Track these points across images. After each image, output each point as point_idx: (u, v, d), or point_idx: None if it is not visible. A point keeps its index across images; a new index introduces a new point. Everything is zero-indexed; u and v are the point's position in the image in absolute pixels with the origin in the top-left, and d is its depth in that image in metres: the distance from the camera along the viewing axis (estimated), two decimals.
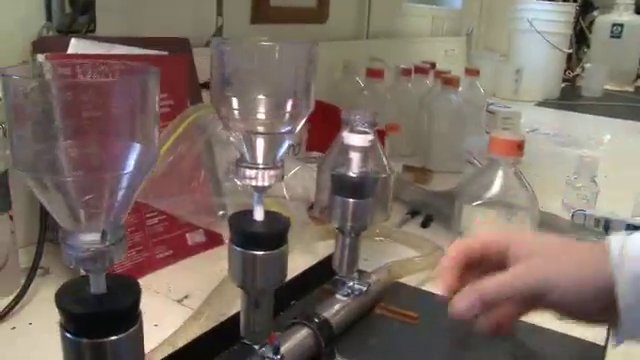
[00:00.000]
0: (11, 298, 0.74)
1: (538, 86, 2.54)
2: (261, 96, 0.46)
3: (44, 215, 0.82)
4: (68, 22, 0.91)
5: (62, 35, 0.90)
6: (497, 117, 1.84)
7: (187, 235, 0.91)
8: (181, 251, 0.90)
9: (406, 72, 1.54)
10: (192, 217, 0.89)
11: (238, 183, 0.97)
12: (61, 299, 0.37)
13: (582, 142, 1.84)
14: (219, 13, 1.24)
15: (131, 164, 0.35)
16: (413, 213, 1.14)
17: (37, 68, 0.37)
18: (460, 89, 1.45)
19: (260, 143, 0.48)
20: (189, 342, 0.61)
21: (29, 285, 0.76)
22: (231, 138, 0.48)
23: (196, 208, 0.89)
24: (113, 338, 0.38)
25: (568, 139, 1.88)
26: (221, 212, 0.91)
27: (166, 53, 0.93)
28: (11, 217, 0.77)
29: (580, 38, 3.11)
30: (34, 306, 0.76)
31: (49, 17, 0.91)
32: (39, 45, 0.83)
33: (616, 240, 0.51)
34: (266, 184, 0.49)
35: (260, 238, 0.50)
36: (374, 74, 1.48)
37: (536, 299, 0.52)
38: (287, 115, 0.47)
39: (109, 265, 0.37)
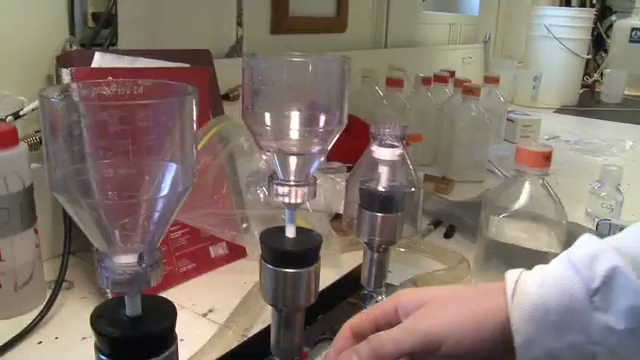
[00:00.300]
0: (37, 312, 0.74)
1: (556, 92, 2.52)
2: (293, 112, 0.46)
3: (68, 229, 0.82)
4: (91, 36, 0.92)
5: (85, 49, 0.90)
6: (517, 125, 1.83)
7: (210, 248, 0.91)
8: (204, 264, 0.89)
9: (426, 81, 1.53)
10: (216, 230, 0.88)
11: (260, 195, 0.98)
12: (96, 321, 0.37)
13: (603, 149, 1.82)
14: (239, 24, 1.24)
15: (167, 186, 0.34)
16: (436, 223, 1.13)
17: (70, 88, 0.37)
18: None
19: (292, 160, 0.47)
20: (219, 357, 0.61)
21: (54, 299, 0.76)
22: (264, 156, 0.47)
23: (219, 221, 0.88)
24: None
25: (589, 146, 1.86)
26: (244, 225, 0.91)
27: (188, 65, 0.93)
28: (36, 231, 0.77)
29: (598, 43, 3.09)
30: (59, 320, 0.75)
31: (72, 31, 0.91)
32: (63, 59, 0.83)
33: (511, 275, 0.49)
34: (299, 201, 0.48)
35: (292, 256, 0.49)
36: (394, 83, 1.48)
37: (433, 352, 0.47)
38: (320, 131, 0.47)
39: (146, 287, 0.36)
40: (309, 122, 0.46)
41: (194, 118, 0.34)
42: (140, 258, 0.36)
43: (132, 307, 0.37)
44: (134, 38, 0.99)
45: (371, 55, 1.75)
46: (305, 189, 0.48)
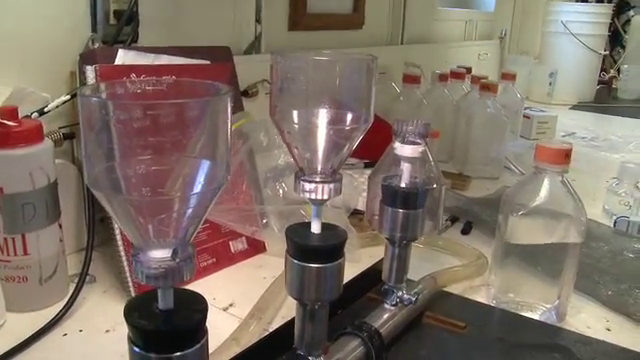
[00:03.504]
0: (60, 305, 0.76)
1: (572, 89, 2.51)
2: (320, 110, 0.46)
3: (92, 224, 0.83)
4: (113, 33, 0.93)
5: (107, 45, 0.91)
6: (533, 121, 1.83)
7: (230, 243, 0.92)
8: (224, 259, 0.90)
9: (442, 77, 1.53)
10: (236, 225, 0.89)
11: (279, 191, 0.98)
12: (129, 314, 0.38)
13: (620, 146, 1.81)
14: (257, 21, 1.25)
15: (201, 183, 0.35)
16: (453, 220, 1.13)
17: (103, 87, 0.38)
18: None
19: (319, 157, 0.48)
20: (242, 351, 0.62)
21: (78, 293, 0.77)
22: (282, 153, 0.48)
23: (240, 216, 0.89)
24: (181, 353, 0.38)
25: (605, 143, 1.85)
26: (264, 220, 0.92)
27: (208, 62, 0.94)
28: (60, 225, 0.78)
29: (615, 39, 3.06)
30: (83, 313, 0.77)
31: (94, 29, 0.92)
32: (87, 56, 0.84)
33: None
34: (325, 197, 0.49)
35: (318, 251, 0.50)
36: (411, 80, 1.48)
37: None
38: (346, 129, 0.47)
39: (179, 282, 0.37)
40: (335, 120, 0.47)
41: (229, 117, 0.35)
42: (174, 253, 0.36)
43: (165, 300, 0.38)
44: (155, 35, 1.00)
45: (388, 51, 1.75)
46: (331, 185, 0.48)
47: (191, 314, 0.39)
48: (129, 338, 0.39)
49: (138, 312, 0.38)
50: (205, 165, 0.35)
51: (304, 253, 0.50)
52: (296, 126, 0.47)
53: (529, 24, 2.79)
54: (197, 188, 0.35)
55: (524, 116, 1.82)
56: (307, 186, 0.48)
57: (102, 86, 0.38)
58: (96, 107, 0.33)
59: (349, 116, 0.47)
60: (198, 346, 0.39)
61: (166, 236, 0.36)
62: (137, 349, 0.38)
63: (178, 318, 0.38)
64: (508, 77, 1.66)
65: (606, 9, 2.54)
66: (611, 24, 2.67)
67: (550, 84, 2.48)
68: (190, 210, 0.35)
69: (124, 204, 0.35)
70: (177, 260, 0.37)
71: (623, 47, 3.10)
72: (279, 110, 0.47)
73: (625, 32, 3.10)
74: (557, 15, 2.49)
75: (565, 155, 0.76)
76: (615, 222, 1.12)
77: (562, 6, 2.54)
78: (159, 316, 0.38)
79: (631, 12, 3.11)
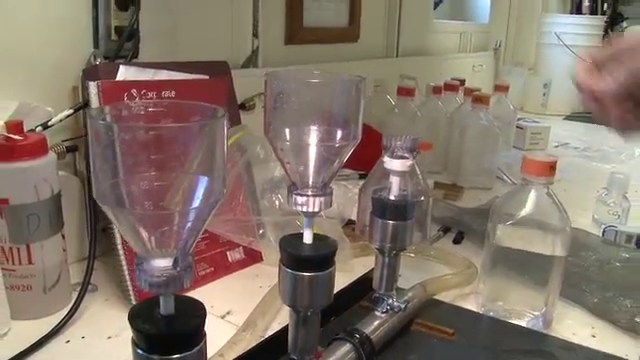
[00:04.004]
0: (63, 313, 0.78)
1: (566, 99, 2.54)
2: (312, 127, 0.49)
3: (94, 234, 0.85)
4: (114, 49, 0.96)
5: (109, 61, 0.94)
6: (526, 132, 1.86)
7: (227, 253, 0.94)
8: (222, 268, 0.93)
9: (436, 90, 1.56)
10: (234, 236, 0.92)
11: (276, 202, 1.01)
12: (134, 319, 0.41)
13: (612, 157, 1.84)
14: (255, 35, 1.28)
15: (199, 198, 0.38)
16: (445, 230, 1.16)
17: (111, 109, 0.41)
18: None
19: (310, 172, 0.51)
20: (238, 356, 0.64)
21: (81, 301, 0.80)
22: (279, 167, 0.51)
23: (237, 227, 0.92)
24: (181, 355, 0.41)
25: (598, 153, 1.88)
26: (261, 231, 0.95)
27: (207, 77, 0.96)
28: (63, 236, 0.81)
29: None
30: (85, 321, 0.79)
31: (96, 45, 0.95)
32: (89, 72, 0.87)
33: None
34: (316, 210, 0.52)
35: (309, 261, 0.53)
36: (405, 92, 1.51)
37: None
38: (336, 145, 0.50)
39: (179, 289, 0.40)
40: (326, 137, 0.50)
41: (225, 137, 0.38)
42: (175, 262, 0.39)
43: (166, 307, 0.41)
44: (154, 50, 1.03)
45: (383, 64, 1.78)
46: (322, 199, 0.51)
47: (191, 319, 0.42)
48: (133, 341, 0.42)
49: (142, 317, 0.41)
50: (203, 181, 0.38)
51: (297, 262, 0.53)
52: (288, 143, 0.50)
53: (523, 36, 2.83)
54: (196, 203, 0.38)
55: (517, 127, 1.85)
56: (299, 199, 0.51)
57: (107, 108, 0.41)
58: (102, 129, 0.36)
59: (339, 133, 0.50)
60: (197, 349, 0.42)
61: (167, 247, 0.39)
62: (140, 352, 0.41)
63: (178, 323, 0.41)
64: (501, 89, 1.69)
65: (599, 21, 2.58)
66: (604, 36, 2.71)
67: (544, 95, 2.52)
68: (189, 223, 0.38)
69: (129, 217, 0.38)
70: (178, 269, 0.39)
71: None
72: (272, 128, 0.50)
73: None
74: (551, 27, 2.53)
75: (550, 167, 0.79)
76: (603, 232, 1.14)
77: (556, 18, 2.59)
78: (161, 321, 0.41)
79: (624, 24, 3.15)
